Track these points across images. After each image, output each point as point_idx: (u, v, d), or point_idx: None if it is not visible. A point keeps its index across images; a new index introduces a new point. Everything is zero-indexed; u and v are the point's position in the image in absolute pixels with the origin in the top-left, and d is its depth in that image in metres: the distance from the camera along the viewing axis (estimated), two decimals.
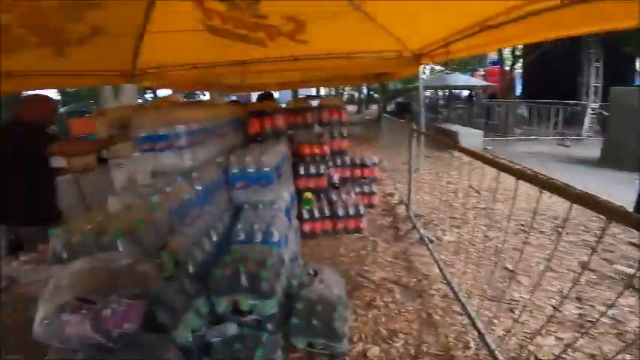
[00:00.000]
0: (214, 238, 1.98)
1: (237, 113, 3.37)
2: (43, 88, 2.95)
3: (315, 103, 4.50)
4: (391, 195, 5.07)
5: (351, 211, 3.63)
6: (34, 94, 2.60)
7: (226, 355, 1.63)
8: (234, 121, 3.11)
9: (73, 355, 1.24)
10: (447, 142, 3.91)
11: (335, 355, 1.94)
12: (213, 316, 1.79)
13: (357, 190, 4.27)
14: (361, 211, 3.66)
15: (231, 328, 1.75)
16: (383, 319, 2.29)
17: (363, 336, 2.14)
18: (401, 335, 2.13)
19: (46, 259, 1.75)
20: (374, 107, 24.04)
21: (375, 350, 2.02)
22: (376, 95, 23.93)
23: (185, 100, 6.00)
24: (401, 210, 4.38)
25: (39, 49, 2.34)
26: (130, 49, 3.05)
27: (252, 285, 1.69)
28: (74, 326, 1.13)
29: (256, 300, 1.71)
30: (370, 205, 4.37)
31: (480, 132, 9.30)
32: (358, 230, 3.71)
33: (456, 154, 2.76)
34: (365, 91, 25.08)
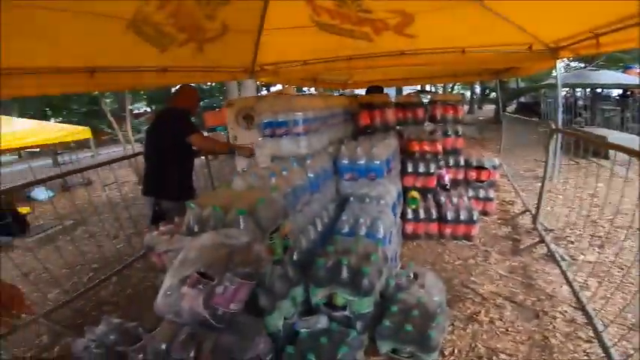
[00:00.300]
0: (319, 228, 2.01)
1: (348, 105, 3.38)
2: (190, 82, 3.48)
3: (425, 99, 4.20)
4: (511, 203, 4.44)
5: (463, 216, 3.29)
6: (186, 85, 3.03)
7: (310, 347, 1.64)
8: (344, 113, 3.13)
9: (179, 329, 1.36)
10: (601, 144, 3.15)
11: None
12: (306, 306, 1.84)
13: (471, 193, 3.85)
14: (474, 217, 3.29)
15: (322, 321, 1.76)
16: (484, 336, 2.08)
17: (456, 350, 1.97)
18: (503, 356, 1.93)
19: (180, 230, 2.07)
20: (488, 107, 21.71)
21: None
22: (493, 94, 21.34)
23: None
24: (523, 221, 3.79)
25: (186, 45, 2.69)
26: (251, 47, 3.34)
27: (352, 280, 1.66)
28: (189, 300, 1.23)
29: (353, 296, 1.67)
30: (484, 212, 3.89)
31: (636, 138, 7.24)
32: (468, 237, 3.35)
33: (604, 162, 2.21)
34: (477, 89, 22.68)
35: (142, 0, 2.08)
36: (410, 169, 3.51)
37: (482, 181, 3.85)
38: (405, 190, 3.47)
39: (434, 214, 3.36)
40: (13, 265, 3.04)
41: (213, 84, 21.93)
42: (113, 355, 1.70)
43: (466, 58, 3.07)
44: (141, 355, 1.60)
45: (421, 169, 3.49)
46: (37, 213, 5.51)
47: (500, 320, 2.21)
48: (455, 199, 3.49)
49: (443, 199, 3.54)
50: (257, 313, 1.51)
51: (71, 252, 3.79)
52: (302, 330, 1.73)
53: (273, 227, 1.45)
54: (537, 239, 3.19)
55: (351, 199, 2.30)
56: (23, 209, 4.83)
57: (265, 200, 1.46)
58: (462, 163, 3.85)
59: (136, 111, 18.21)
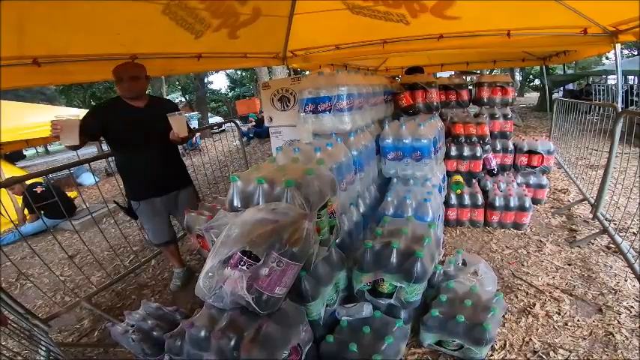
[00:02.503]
0: (362, 209, 1.89)
1: (389, 86, 3.19)
2: (222, 69, 3.47)
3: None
4: (563, 192, 4.09)
5: (512, 203, 3.03)
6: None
7: (351, 337, 1.54)
8: (385, 92, 2.96)
9: (219, 315, 1.29)
10: None
11: None
12: (347, 293, 1.73)
13: (520, 180, 3.55)
14: (527, 205, 3.02)
15: (366, 310, 1.65)
16: (539, 330, 1.92)
17: (507, 344, 1.81)
18: (561, 351, 1.77)
19: (216, 209, 2.03)
20: (529, 95, 20.46)
21: None
22: (536, 81, 20.01)
23: None
24: (579, 211, 3.46)
25: (219, 30, 2.63)
26: (283, 32, 3.25)
27: (402, 264, 1.52)
28: (231, 283, 1.14)
29: (403, 282, 1.54)
30: (536, 200, 3.59)
31: None
32: (518, 226, 3.09)
33: None
34: (518, 76, 21.39)
35: None
36: (453, 153, 3.28)
37: (533, 167, 3.53)
38: (448, 175, 3.27)
39: (480, 200, 3.13)
40: (59, 248, 3.19)
41: (244, 73, 22.30)
42: (151, 340, 1.72)
43: (512, 41, 2.79)
44: (178, 342, 1.58)
45: (466, 152, 3.25)
46: (84, 197, 5.82)
47: (558, 314, 2.04)
48: (503, 185, 3.24)
49: (490, 184, 3.29)
50: (300, 301, 1.43)
51: (114, 234, 3.93)
52: (343, 318, 1.63)
53: (322, 203, 1.33)
54: (597, 230, 2.90)
55: (394, 179, 2.14)
56: (72, 193, 5.07)
57: (314, 171, 1.34)
58: (512, 147, 3.55)
59: (174, 100, 18.89)
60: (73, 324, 2.40)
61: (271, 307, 1.18)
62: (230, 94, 25.27)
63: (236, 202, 1.32)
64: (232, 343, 1.18)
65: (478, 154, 3.20)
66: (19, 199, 4.35)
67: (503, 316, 2.00)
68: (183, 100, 23.03)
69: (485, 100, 3.60)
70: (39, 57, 2.12)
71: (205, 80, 17.92)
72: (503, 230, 3.10)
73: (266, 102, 2.91)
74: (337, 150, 1.73)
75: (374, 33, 3.13)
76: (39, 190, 4.15)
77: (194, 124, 14.61)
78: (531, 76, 21.00)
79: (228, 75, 24.49)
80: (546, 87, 7.88)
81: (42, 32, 1.94)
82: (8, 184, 2.23)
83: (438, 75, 6.86)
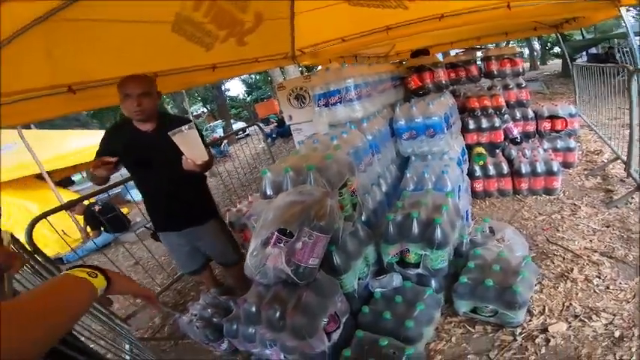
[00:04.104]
0: (384, 188, 2.01)
1: (395, 70, 3.28)
2: (237, 75, 3.64)
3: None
4: (597, 153, 3.94)
5: (540, 168, 3.01)
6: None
7: (385, 307, 1.66)
8: (393, 78, 3.06)
9: (265, 291, 1.46)
10: None
11: (504, 326, 1.69)
12: (378, 267, 1.85)
13: (547, 145, 3.50)
14: (555, 168, 2.99)
15: (396, 280, 1.76)
16: (579, 295, 1.89)
17: (547, 309, 1.81)
18: (604, 315, 1.72)
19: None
20: (552, 62, 19.40)
21: (560, 327, 1.68)
22: (556, 49, 18.91)
23: None
24: (615, 170, 3.34)
25: (227, 40, 2.79)
26: (287, 32, 3.36)
27: (424, 233, 1.63)
28: (273, 259, 1.31)
29: (427, 250, 1.64)
30: (566, 164, 3.51)
31: None
32: (549, 191, 3.06)
33: None
34: (537, 45, 20.34)
35: (176, 3, 2.17)
36: (472, 126, 3.31)
37: (558, 131, 3.47)
38: (470, 149, 3.29)
39: (505, 168, 3.13)
40: (123, 258, 3.55)
41: (258, 76, 22.78)
42: (211, 326, 1.97)
43: (513, 13, 2.71)
44: (234, 326, 1.81)
45: (484, 124, 3.27)
46: (136, 211, 6.32)
47: (599, 278, 1.99)
48: (528, 152, 3.21)
49: (514, 152, 3.28)
50: (333, 274, 1.57)
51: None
52: (376, 290, 1.76)
53: (341, 182, 1.50)
54: (633, 187, 2.80)
55: (412, 157, 2.25)
56: (123, 209, 5.55)
57: (332, 156, 1.51)
58: (531, 114, 3.51)
59: (195, 113, 19.64)
60: (146, 322, 2.70)
61: (308, 277, 1.35)
62: (248, 98, 25.92)
63: (269, 191, 1.51)
64: (278, 313, 1.37)
65: (497, 125, 3.22)
66: (80, 219, 4.84)
67: (540, 282, 2.00)
68: (205, 110, 23.83)
69: (495, 72, 3.64)
70: (72, 84, 2.19)
71: (222, 88, 18.50)
72: (534, 197, 3.08)
73: (284, 102, 3.09)
74: (352, 136, 1.88)
75: (376, 21, 3.19)
76: (97, 208, 4.61)
77: (219, 132, 15.16)
78: (549, 44, 19.98)
79: (243, 80, 25.16)
80: (566, 53, 7.54)
81: (71, 59, 2.03)
82: (71, 205, 2.55)
83: (453, 53, 6.75)
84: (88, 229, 4.88)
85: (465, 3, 2.72)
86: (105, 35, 2.06)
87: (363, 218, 1.78)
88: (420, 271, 1.71)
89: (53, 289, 0.65)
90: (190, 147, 1.65)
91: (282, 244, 1.29)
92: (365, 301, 1.74)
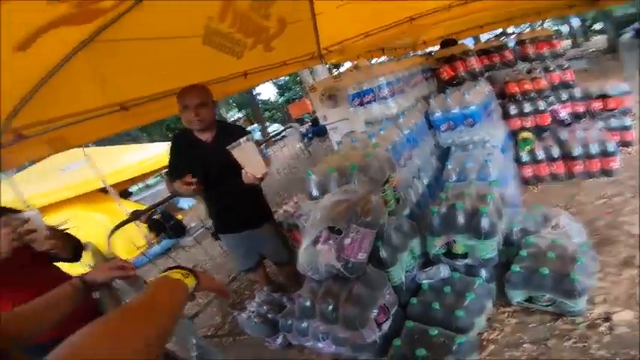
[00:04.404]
0: (425, 181, 2.02)
1: (424, 63, 3.24)
2: (268, 80, 3.74)
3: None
4: None
5: (594, 149, 2.82)
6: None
7: (434, 297, 1.66)
8: (423, 71, 3.03)
9: (317, 287, 1.55)
10: None
11: (564, 315, 1.62)
12: (425, 259, 1.85)
13: (601, 125, 3.26)
14: (611, 149, 2.79)
15: (444, 271, 1.76)
16: None
17: (611, 297, 1.70)
18: None
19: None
20: (596, 38, 17.72)
21: (625, 315, 1.58)
22: (596, 25, 17.23)
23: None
24: None
25: (255, 47, 2.89)
26: (311, 33, 3.41)
27: (469, 223, 1.62)
28: (324, 255, 1.39)
29: (473, 240, 1.62)
30: (624, 143, 3.25)
31: None
32: (607, 172, 2.85)
33: None
34: (575, 22, 18.65)
35: (204, 16, 2.29)
36: (513, 112, 3.17)
37: (612, 110, 3.22)
38: (514, 134, 3.16)
39: (556, 152, 2.97)
40: (182, 260, 3.85)
41: (287, 78, 23.16)
42: (268, 322, 2.12)
43: None
44: (289, 321, 1.93)
45: (527, 108, 3.12)
46: (187, 218, 6.79)
47: None
48: (580, 133, 3.01)
49: (564, 135, 3.09)
50: (381, 268, 1.61)
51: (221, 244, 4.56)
52: (424, 281, 1.77)
53: (383, 179, 1.55)
54: None
55: (453, 148, 2.23)
56: (178, 216, 6.00)
57: (372, 154, 1.57)
58: (579, 95, 3.30)
59: (232, 119, 20.41)
60: (208, 321, 2.92)
61: (357, 271, 1.42)
62: (280, 100, 26.42)
63: (314, 192, 1.60)
64: (331, 306, 1.46)
65: (541, 108, 3.06)
66: (144, 227, 5.31)
67: (602, 270, 1.88)
68: (241, 115, 24.64)
69: (532, 55, 3.47)
70: (123, 102, 2.36)
71: (254, 92, 19.04)
72: (591, 180, 2.88)
73: (317, 103, 3.16)
74: (389, 133, 1.91)
75: (398, 12, 3.17)
76: (157, 217, 5.03)
77: (257, 135, 15.66)
78: (589, 21, 18.24)
79: (274, 83, 25.67)
80: (609, 30, 6.88)
81: (118, 78, 2.20)
82: (140, 215, 2.82)
83: (483, 37, 6.41)
84: (152, 235, 5.35)
85: None
86: (144, 52, 2.21)
87: (406, 212, 1.81)
88: (468, 261, 1.70)
89: (158, 292, 0.71)
90: (249, 160, 1.67)
91: (331, 241, 1.37)
92: (413, 294, 1.76)
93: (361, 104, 2.17)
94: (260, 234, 2.21)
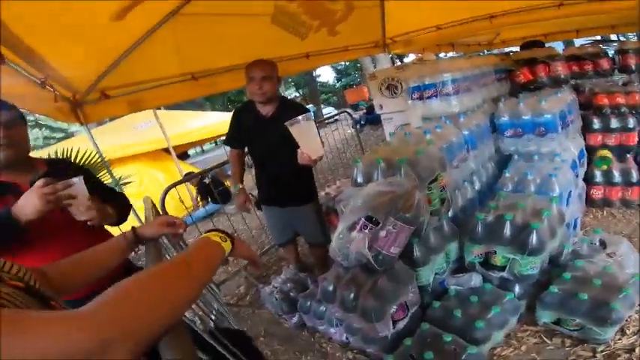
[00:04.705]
0: (477, 186, 1.93)
1: (500, 63, 2.99)
2: (329, 63, 3.72)
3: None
4: None
5: None
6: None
7: (458, 305, 1.61)
8: (498, 71, 2.81)
9: (344, 273, 1.56)
10: None
11: (587, 341, 1.53)
12: (458, 265, 1.80)
13: None
14: None
15: (475, 280, 1.70)
16: None
17: None
18: None
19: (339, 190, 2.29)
20: None
21: None
22: None
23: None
24: None
25: (320, 30, 2.89)
26: (378, 20, 3.32)
27: (517, 236, 1.54)
28: (357, 243, 1.39)
29: (517, 254, 1.54)
30: None
31: None
32: None
33: None
34: None
35: None
36: (596, 126, 2.84)
37: None
38: (591, 151, 2.86)
39: (635, 176, 2.66)
40: (223, 226, 4.09)
41: (348, 63, 22.83)
42: (288, 300, 2.20)
43: None
44: (308, 302, 1.99)
45: (613, 124, 2.78)
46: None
47: None
48: None
49: None
50: (411, 266, 1.61)
51: (261, 215, 4.77)
52: (452, 287, 1.74)
53: (431, 177, 1.51)
54: None
55: (515, 156, 2.08)
56: (226, 182, 6.35)
57: (423, 151, 1.53)
58: None
59: (289, 97, 20.82)
60: (233, 289, 3.07)
61: (386, 264, 1.43)
62: (337, 84, 26.24)
63: (359, 179, 1.60)
64: (352, 294, 1.48)
65: (631, 126, 2.71)
66: (193, 190, 5.71)
67: None
68: (298, 94, 24.95)
69: (633, 68, 3.07)
70: (195, 72, 2.57)
71: (314, 74, 19.09)
72: None
73: (375, 91, 3.12)
74: (446, 131, 1.83)
75: (477, 8, 2.93)
76: (207, 181, 5.37)
77: (311, 115, 15.83)
78: None
79: (333, 67, 25.51)
80: None
81: (193, 50, 2.38)
82: (192, 177, 3.02)
83: (577, 42, 5.65)
84: (199, 198, 5.73)
85: None
86: (218, 28, 2.37)
87: (450, 214, 1.75)
88: (504, 274, 1.63)
89: (198, 252, 0.74)
90: (307, 139, 1.61)
91: (367, 230, 1.38)
92: (438, 297, 1.74)
93: (420, 98, 2.10)
94: (301, 212, 2.26)
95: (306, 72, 15.92)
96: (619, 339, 1.56)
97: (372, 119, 9.95)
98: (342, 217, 1.50)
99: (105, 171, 3.47)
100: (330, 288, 1.60)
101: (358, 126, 8.15)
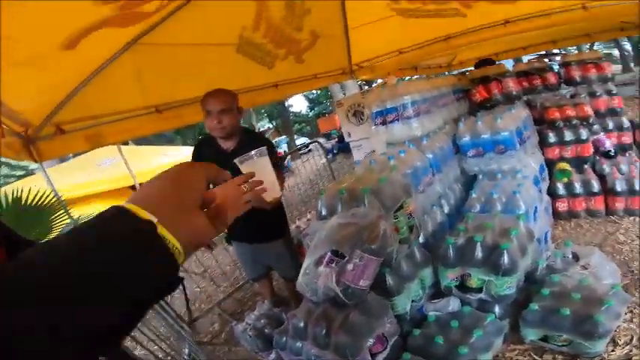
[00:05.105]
0: (445, 209, 1.91)
1: (457, 83, 3.13)
2: (298, 92, 3.77)
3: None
4: None
5: (639, 186, 2.60)
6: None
7: (439, 331, 1.57)
8: (455, 91, 2.92)
9: (314, 308, 1.48)
10: None
11: (579, 356, 1.50)
12: (435, 290, 1.74)
13: None
14: None
15: (453, 304, 1.66)
16: None
17: (634, 339, 1.58)
18: None
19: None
20: None
21: None
22: None
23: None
24: None
25: (287, 58, 2.92)
26: (343, 48, 3.40)
27: (488, 258, 1.51)
28: (324, 278, 1.33)
29: (491, 275, 1.52)
30: None
31: None
32: None
33: None
34: (628, 45, 17.62)
35: (238, 25, 2.35)
36: (552, 140, 2.97)
37: None
38: (551, 164, 2.97)
39: (596, 186, 2.76)
40: (194, 265, 3.90)
41: (319, 92, 23.48)
42: (263, 336, 2.04)
43: (591, 15, 2.37)
44: (283, 338, 1.86)
45: (567, 137, 2.92)
46: None
47: None
48: (624, 167, 2.79)
49: (607, 168, 2.87)
50: (385, 296, 1.55)
51: (232, 250, 4.59)
52: (430, 313, 1.68)
53: (396, 205, 1.47)
54: None
55: (480, 176, 2.10)
56: None
57: (387, 179, 1.50)
58: (627, 124, 3.08)
59: (261, 129, 20.87)
60: (207, 327, 2.91)
61: (356, 297, 1.35)
62: (310, 113, 26.74)
63: (324, 212, 1.55)
64: (324, 330, 1.40)
65: (584, 137, 2.86)
66: None
67: (632, 311, 1.74)
68: (271, 126, 25.14)
69: (577, 79, 3.28)
70: (158, 105, 2.45)
71: (286, 104, 19.34)
72: (632, 218, 2.65)
73: (342, 118, 3.14)
74: (410, 156, 1.83)
75: (433, 31, 3.07)
76: None
77: (284, 147, 15.89)
78: None
79: (305, 96, 26.08)
80: None
81: (156, 81, 2.27)
82: None
83: (525, 58, 6.16)
84: None
85: (530, 7, 2.48)
86: (182, 58, 2.32)
87: (421, 240, 1.71)
88: (482, 296, 1.59)
89: None
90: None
91: (333, 265, 1.31)
92: (418, 324, 1.67)
93: (384, 123, 2.11)
94: (271, 248, 2.17)
95: (278, 102, 16.15)
96: (612, 350, 1.54)
97: (344, 147, 10.04)
98: (308, 251, 1.42)
99: (62, 211, 3.26)
100: (301, 324, 1.52)
101: (330, 155, 8.22)
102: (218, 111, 1.80)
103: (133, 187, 5.94)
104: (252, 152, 1.31)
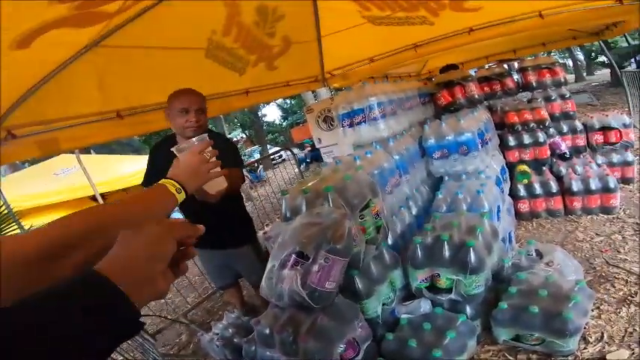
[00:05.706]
0: (413, 210, 1.92)
1: (423, 87, 3.22)
2: (270, 100, 3.73)
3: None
4: None
5: (595, 185, 2.74)
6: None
7: (412, 334, 1.54)
8: (422, 95, 3.00)
9: (281, 313, 1.42)
10: None
11: (552, 355, 1.52)
12: (406, 292, 1.73)
13: (601, 160, 3.19)
14: (611, 185, 2.71)
15: (424, 306, 1.65)
16: None
17: (606, 336, 1.62)
18: None
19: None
20: (600, 72, 18.28)
21: (621, 354, 1.50)
22: (601, 58, 17.84)
23: None
24: None
25: (257, 65, 2.87)
26: (316, 55, 3.41)
27: (455, 257, 1.52)
28: (288, 281, 1.27)
29: (459, 275, 1.52)
30: (625, 180, 3.18)
31: None
32: (607, 209, 2.77)
33: None
34: (580, 55, 19.27)
35: (208, 29, 2.28)
36: (512, 143, 3.12)
37: (613, 144, 3.17)
38: (511, 167, 3.09)
39: (554, 187, 2.89)
40: None
41: (293, 101, 23.54)
42: (231, 346, 1.94)
43: (547, 22, 2.53)
44: (252, 347, 1.77)
45: (526, 140, 3.07)
46: None
47: None
48: (580, 168, 2.95)
49: (563, 169, 3.03)
50: (355, 297, 1.51)
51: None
52: (402, 316, 1.65)
53: (362, 204, 1.44)
54: None
55: (446, 177, 2.14)
56: None
57: (351, 177, 1.47)
58: (580, 127, 3.26)
59: (234, 138, 20.54)
60: (173, 338, 2.77)
61: (324, 300, 1.30)
62: (284, 123, 26.68)
63: (288, 214, 1.49)
64: (291, 337, 1.33)
65: (541, 140, 3.01)
66: None
67: (598, 307, 1.81)
68: (244, 136, 24.80)
69: (534, 84, 3.46)
70: (120, 110, 2.31)
71: (259, 114, 19.19)
72: (589, 217, 2.80)
73: (313, 124, 3.13)
74: (377, 157, 1.82)
75: (403, 39, 3.15)
76: None
77: (256, 157, 15.72)
78: (593, 54, 18.77)
79: (278, 105, 26.05)
80: (612, 62, 7.05)
81: (118, 85, 2.16)
82: None
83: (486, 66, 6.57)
84: None
85: (493, 15, 2.60)
86: (147, 62, 2.20)
87: (390, 241, 1.70)
88: (452, 296, 1.59)
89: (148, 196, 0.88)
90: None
91: (298, 267, 1.26)
92: (391, 328, 1.63)
93: (351, 125, 2.10)
94: (239, 255, 2.10)
95: (250, 111, 16.01)
96: (584, 348, 1.57)
97: (317, 156, 10.08)
98: (271, 254, 1.36)
99: (12, 222, 3.02)
100: (267, 331, 1.44)
101: (303, 165, 8.19)
102: (196, 109, 1.77)
103: (93, 198, 5.63)
104: (194, 139, 1.19)
